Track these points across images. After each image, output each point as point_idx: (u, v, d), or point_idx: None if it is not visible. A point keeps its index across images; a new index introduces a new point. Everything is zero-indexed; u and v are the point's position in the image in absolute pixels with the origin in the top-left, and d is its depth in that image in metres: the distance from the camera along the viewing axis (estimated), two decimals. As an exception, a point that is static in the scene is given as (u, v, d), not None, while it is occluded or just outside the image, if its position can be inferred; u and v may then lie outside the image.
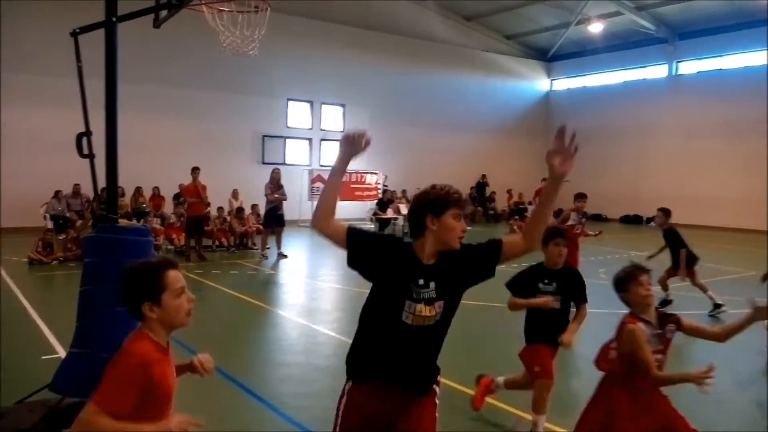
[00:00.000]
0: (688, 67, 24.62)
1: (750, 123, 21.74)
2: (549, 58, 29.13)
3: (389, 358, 2.55)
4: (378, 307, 2.59)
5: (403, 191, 22.85)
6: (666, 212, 9.00)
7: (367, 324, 2.64)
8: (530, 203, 22.49)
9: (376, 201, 20.31)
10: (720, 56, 23.44)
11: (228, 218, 15.16)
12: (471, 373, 4.94)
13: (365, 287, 2.65)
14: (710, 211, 22.31)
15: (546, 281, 4.24)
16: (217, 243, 14.45)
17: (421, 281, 2.53)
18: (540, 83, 29.60)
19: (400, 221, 19.04)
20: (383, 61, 23.75)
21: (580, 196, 9.31)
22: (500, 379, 4.73)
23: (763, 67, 21.72)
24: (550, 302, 4.17)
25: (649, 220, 24.49)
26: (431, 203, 2.55)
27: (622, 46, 25.89)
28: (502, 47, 27.91)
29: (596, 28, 24.26)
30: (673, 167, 24.32)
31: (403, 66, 24.36)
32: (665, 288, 8.91)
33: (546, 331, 4.25)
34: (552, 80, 29.74)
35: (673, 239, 8.89)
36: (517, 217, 21.98)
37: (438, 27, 25.77)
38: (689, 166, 23.75)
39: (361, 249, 2.60)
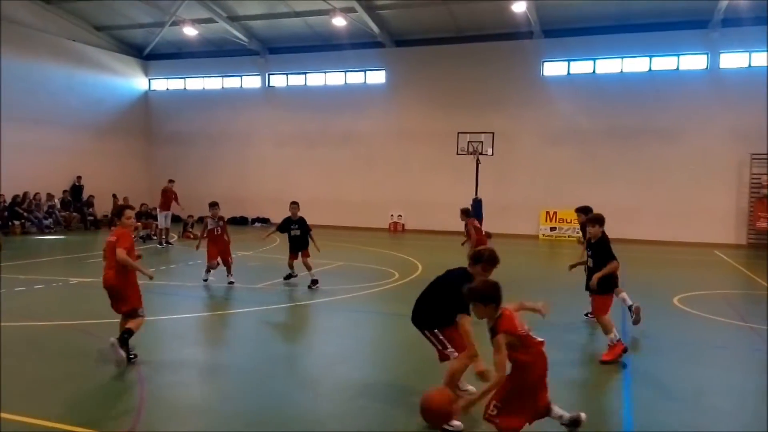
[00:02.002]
0: (280, 80, 26.93)
1: (320, 135, 25.44)
2: (145, 56, 27.97)
3: None
4: None
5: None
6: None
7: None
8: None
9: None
10: (304, 73, 26.36)
11: None
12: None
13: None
14: (304, 211, 24.87)
15: None
16: None
17: None
18: (137, 81, 28.14)
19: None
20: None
21: (213, 205, 11.23)
22: None
23: (341, 86, 25.56)
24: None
25: (254, 221, 26.10)
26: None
27: (219, 53, 26.68)
28: (91, 38, 25.51)
29: (190, 31, 24.30)
30: (267, 171, 26.40)
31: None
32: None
33: None
34: (150, 79, 28.64)
35: None
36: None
37: (14, 6, 21.97)
38: (280, 171, 26.16)
39: None
